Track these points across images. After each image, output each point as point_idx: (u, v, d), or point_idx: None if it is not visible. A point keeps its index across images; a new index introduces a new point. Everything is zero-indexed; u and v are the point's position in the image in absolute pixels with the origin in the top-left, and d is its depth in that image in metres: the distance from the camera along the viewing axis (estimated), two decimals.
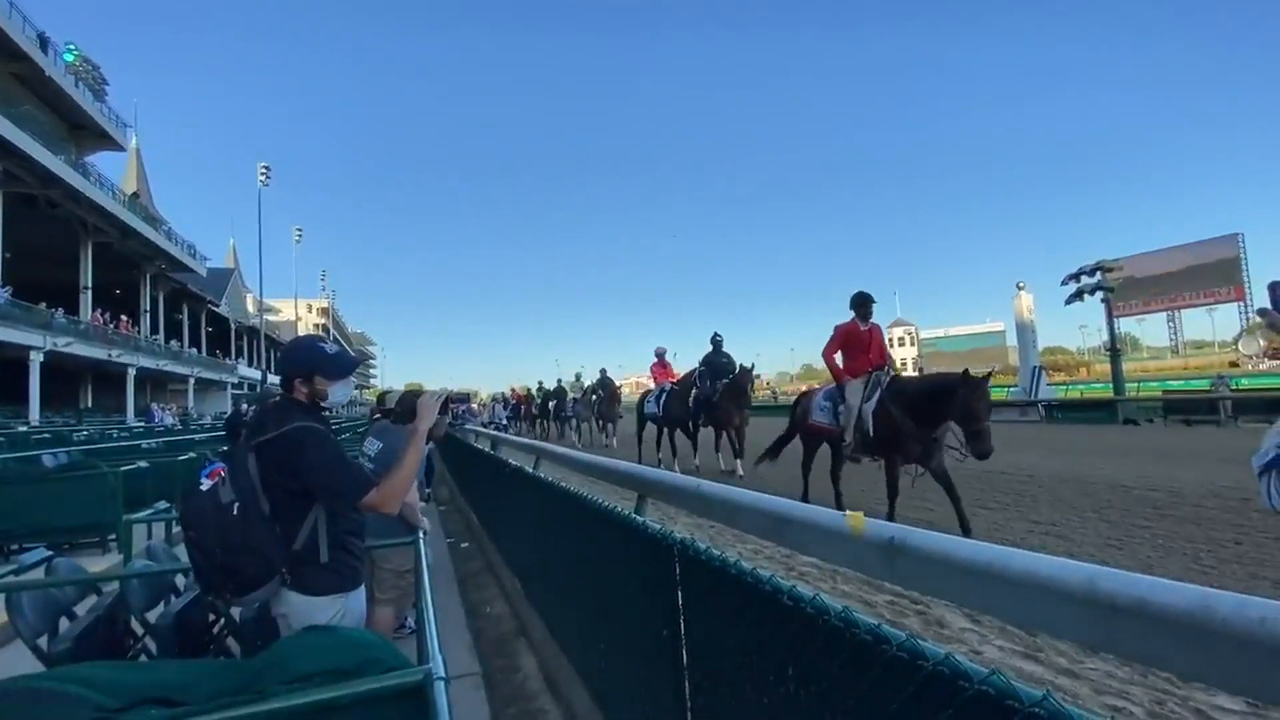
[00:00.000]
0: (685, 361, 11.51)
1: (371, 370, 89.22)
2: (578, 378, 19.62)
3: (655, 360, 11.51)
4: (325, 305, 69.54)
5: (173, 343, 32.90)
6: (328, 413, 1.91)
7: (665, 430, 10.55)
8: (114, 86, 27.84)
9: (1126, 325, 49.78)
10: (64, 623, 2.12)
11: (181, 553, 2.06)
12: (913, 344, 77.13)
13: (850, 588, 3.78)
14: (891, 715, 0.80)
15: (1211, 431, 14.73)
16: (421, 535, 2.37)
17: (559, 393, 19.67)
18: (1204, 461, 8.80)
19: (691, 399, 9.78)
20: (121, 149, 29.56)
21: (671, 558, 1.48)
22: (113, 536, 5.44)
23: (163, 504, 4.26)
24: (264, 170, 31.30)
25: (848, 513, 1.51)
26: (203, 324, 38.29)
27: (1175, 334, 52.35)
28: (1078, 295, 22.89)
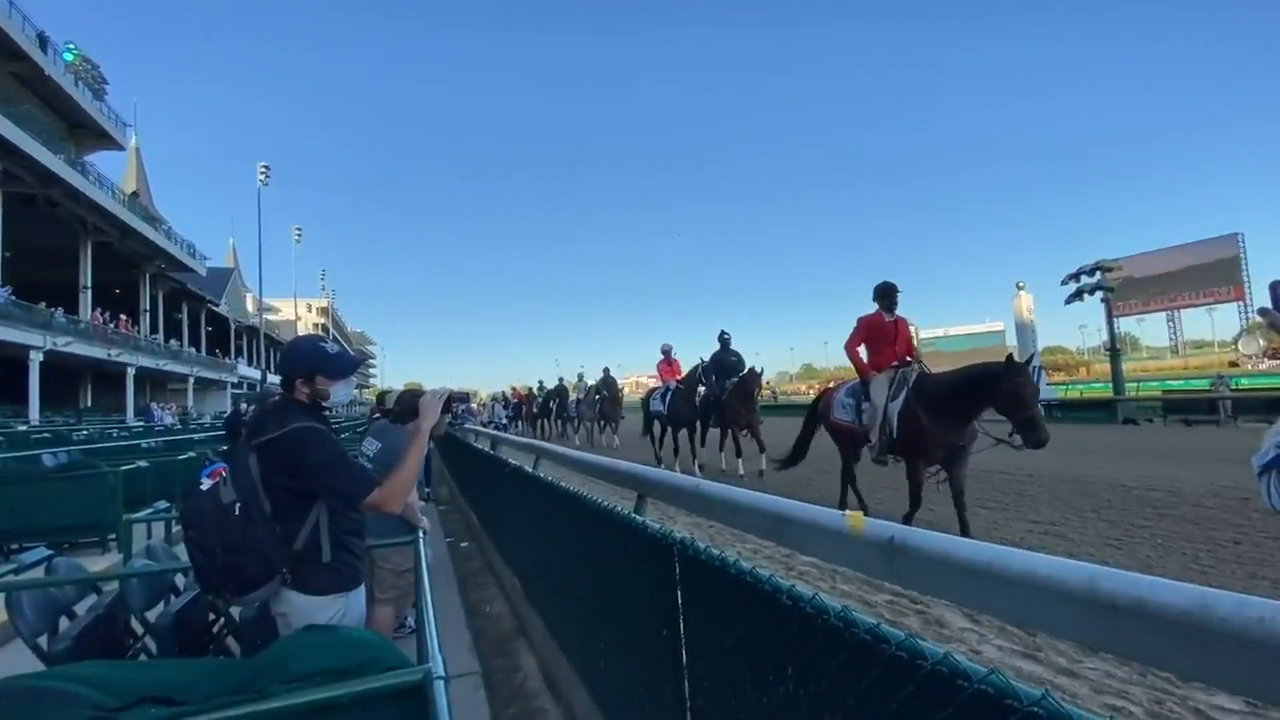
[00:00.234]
0: (685, 362, 11.24)
1: (371, 370, 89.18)
2: (580, 377, 19.35)
3: (661, 358, 11.26)
4: (325, 305, 69.54)
5: (172, 342, 32.89)
6: (328, 412, 1.91)
7: (670, 429, 10.36)
8: (114, 86, 27.87)
9: (1126, 325, 49.84)
10: (64, 622, 2.12)
11: (181, 552, 2.06)
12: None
13: (850, 587, 3.78)
14: (891, 714, 0.80)
15: (1211, 431, 14.73)
16: (421, 535, 2.37)
17: (560, 392, 19.45)
18: (1203, 461, 8.81)
19: (699, 398, 9.62)
20: (121, 148, 29.55)
21: (671, 557, 1.48)
22: (112, 536, 5.44)
23: (162, 503, 4.26)
24: (264, 170, 31.28)
25: (847, 512, 1.51)
26: (202, 323, 38.27)
27: (1175, 334, 52.37)
28: (1077, 295, 22.89)
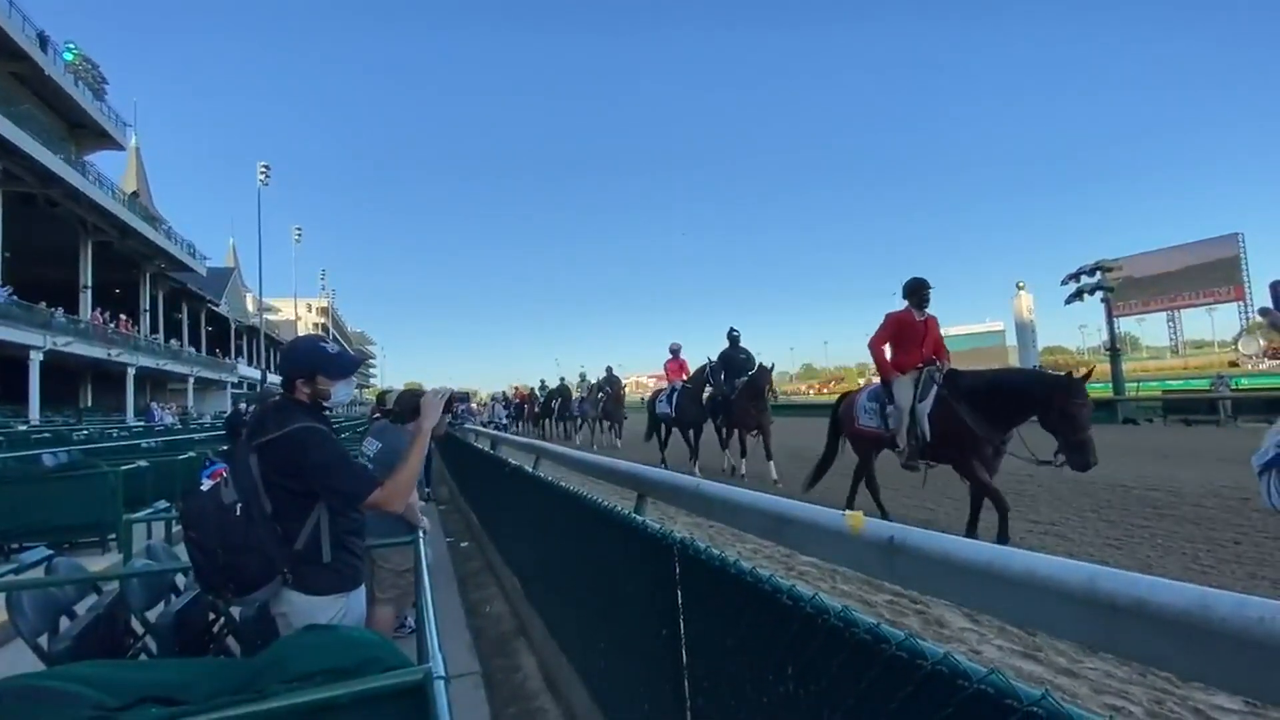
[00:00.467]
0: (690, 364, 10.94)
1: (371, 370, 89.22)
2: (583, 377, 19.06)
3: (670, 357, 10.82)
4: (325, 305, 69.53)
5: (172, 342, 32.89)
6: (328, 413, 1.92)
7: (679, 431, 10.03)
8: (114, 86, 27.85)
9: (1126, 325, 49.83)
10: (64, 622, 2.12)
11: (181, 552, 2.06)
12: None
13: (850, 587, 3.78)
14: (891, 714, 0.80)
15: (1211, 431, 14.74)
16: (421, 535, 2.37)
17: (562, 391, 19.19)
18: (1203, 461, 8.81)
19: (707, 398, 9.36)
20: (121, 148, 29.54)
21: (671, 557, 1.48)
22: (113, 536, 5.44)
23: (162, 503, 4.26)
24: (264, 170, 31.29)
25: (847, 512, 1.51)
26: (202, 323, 38.27)
27: (1175, 334, 52.35)
28: (1077, 295, 22.90)
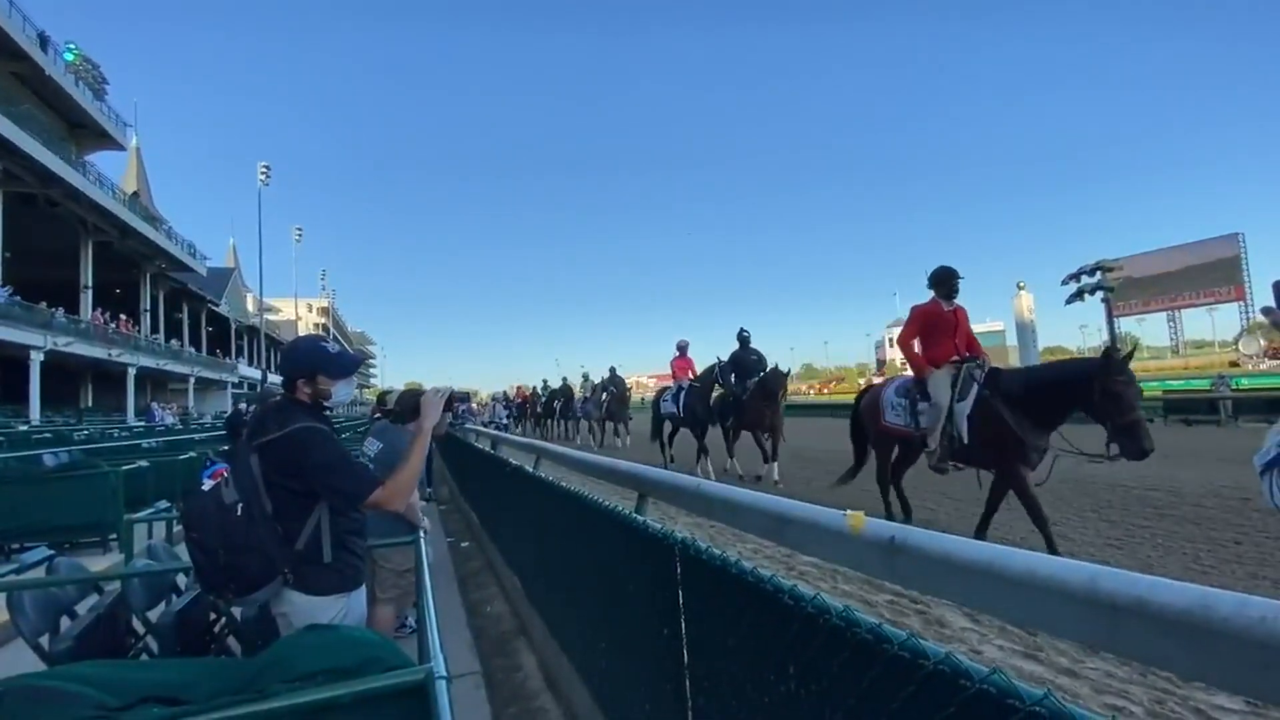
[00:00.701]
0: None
1: (372, 370, 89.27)
2: (585, 377, 18.85)
3: (676, 354, 10.53)
4: (325, 305, 69.54)
5: (173, 342, 32.91)
6: (329, 413, 1.92)
7: (686, 431, 9.74)
8: (114, 86, 27.83)
9: (1127, 325, 49.80)
10: (65, 622, 2.12)
11: (182, 552, 2.06)
12: None
13: (850, 587, 3.78)
14: (893, 714, 0.80)
15: (1211, 431, 14.72)
16: (422, 535, 2.38)
17: (565, 391, 18.88)
18: (1204, 461, 8.81)
19: (715, 399, 9.17)
20: (122, 148, 29.55)
21: (672, 557, 1.48)
22: (113, 536, 5.45)
23: (163, 503, 4.25)
24: (264, 170, 31.29)
25: (848, 512, 1.51)
26: (203, 323, 38.29)
27: (1175, 334, 52.31)
28: (1078, 295, 22.97)
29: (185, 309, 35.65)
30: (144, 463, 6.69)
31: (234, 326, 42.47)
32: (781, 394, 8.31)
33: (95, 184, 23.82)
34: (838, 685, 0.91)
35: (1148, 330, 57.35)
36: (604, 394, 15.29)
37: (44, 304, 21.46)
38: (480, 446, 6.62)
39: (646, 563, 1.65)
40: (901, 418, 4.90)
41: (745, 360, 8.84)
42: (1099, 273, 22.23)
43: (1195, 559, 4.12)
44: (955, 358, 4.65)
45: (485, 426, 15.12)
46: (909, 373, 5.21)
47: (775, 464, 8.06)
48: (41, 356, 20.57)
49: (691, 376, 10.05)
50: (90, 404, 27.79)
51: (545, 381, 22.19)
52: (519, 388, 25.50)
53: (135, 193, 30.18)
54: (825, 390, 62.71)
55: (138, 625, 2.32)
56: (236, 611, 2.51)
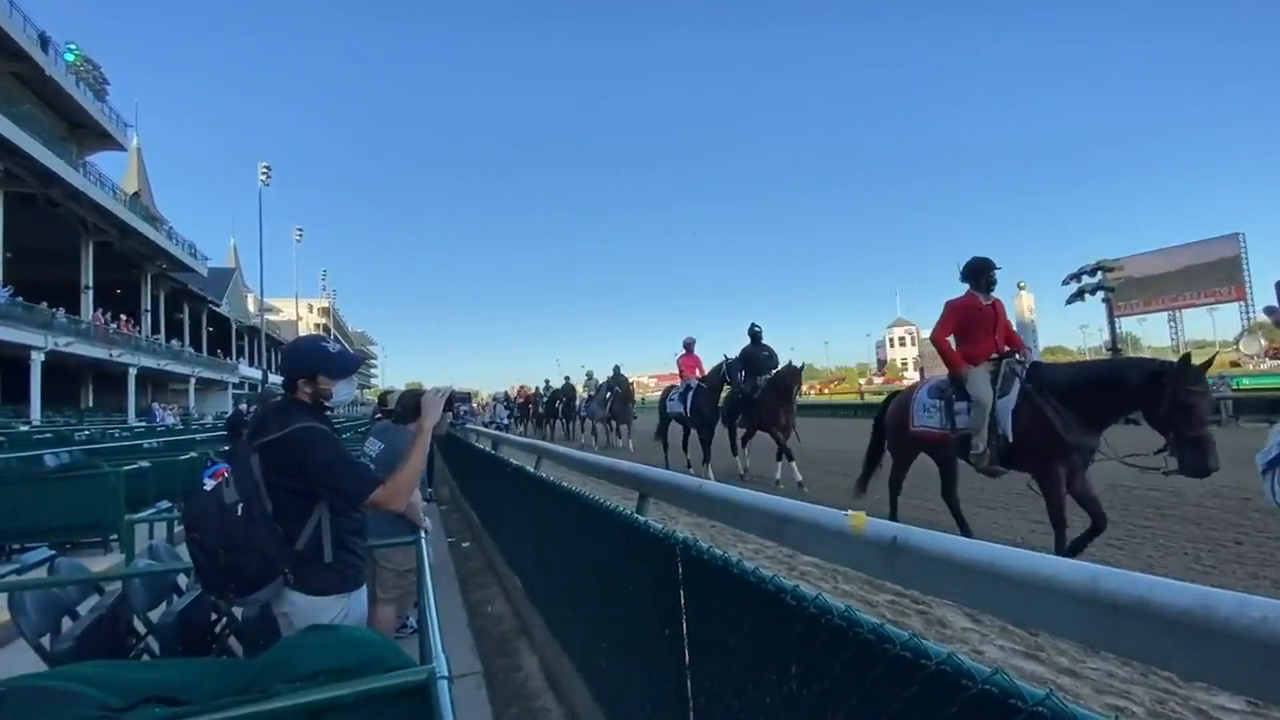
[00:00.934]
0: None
1: (372, 370, 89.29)
2: (589, 376, 18.63)
3: (683, 352, 10.06)
4: (326, 305, 69.63)
5: (173, 342, 32.92)
6: (330, 413, 1.92)
7: (696, 431, 9.37)
8: (115, 86, 27.88)
9: (1127, 325, 49.58)
10: (66, 622, 2.12)
11: (183, 552, 2.06)
12: (914, 344, 77.12)
13: (852, 587, 3.78)
14: (895, 714, 0.80)
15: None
16: (423, 535, 2.38)
17: (567, 391, 18.63)
18: None
19: (725, 397, 8.91)
20: (122, 149, 29.55)
21: (674, 557, 1.48)
22: (114, 536, 5.45)
23: (164, 503, 4.26)
24: (264, 170, 31.33)
25: (849, 512, 1.51)
26: (203, 324, 38.30)
27: (1176, 334, 52.22)
28: (1078, 295, 22.95)
29: (186, 309, 35.67)
30: (145, 463, 6.69)
31: (235, 327, 42.48)
32: (796, 391, 8.06)
33: (96, 184, 23.84)
34: (840, 685, 0.91)
35: (1148, 330, 57.29)
36: (608, 393, 15.10)
37: (45, 304, 21.47)
38: (481, 447, 6.62)
39: (648, 563, 1.65)
40: (935, 419, 4.54)
41: (757, 356, 8.50)
42: (1099, 273, 22.24)
43: (1196, 559, 4.12)
44: (995, 354, 4.37)
45: (486, 427, 15.12)
46: (941, 373, 4.91)
47: (795, 464, 7.74)
48: (42, 357, 20.58)
49: (699, 375, 9.71)
50: (91, 404, 27.80)
51: (547, 381, 21.82)
52: (520, 387, 25.23)
53: (136, 193, 30.19)
54: (825, 390, 62.55)
55: (139, 625, 2.32)
56: (238, 612, 2.51)
